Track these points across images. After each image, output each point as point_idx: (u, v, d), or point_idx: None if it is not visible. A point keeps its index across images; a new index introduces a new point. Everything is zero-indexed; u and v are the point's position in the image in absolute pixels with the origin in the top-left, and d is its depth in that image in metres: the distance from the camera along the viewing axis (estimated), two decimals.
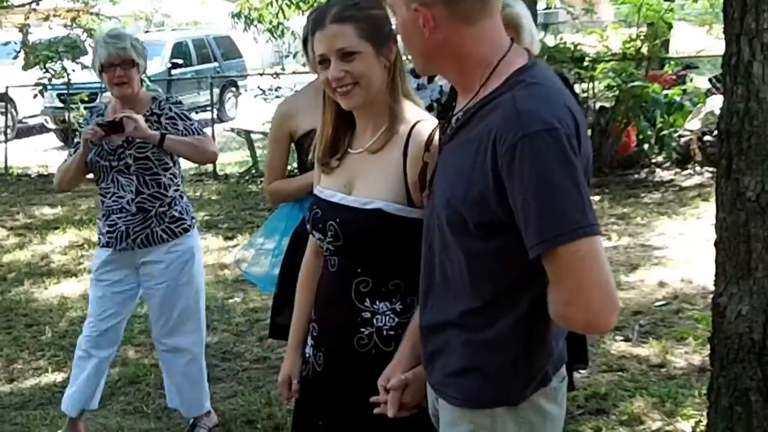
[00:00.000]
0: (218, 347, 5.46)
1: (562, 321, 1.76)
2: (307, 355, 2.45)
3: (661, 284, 6.16)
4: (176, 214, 4.03)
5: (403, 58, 2.27)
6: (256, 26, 14.33)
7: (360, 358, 2.27)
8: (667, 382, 4.59)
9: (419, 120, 2.24)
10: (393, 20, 2.06)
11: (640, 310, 5.67)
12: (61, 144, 14.81)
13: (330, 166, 2.32)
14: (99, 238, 4.11)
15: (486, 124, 1.74)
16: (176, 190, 4.06)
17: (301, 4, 13.68)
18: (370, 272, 2.24)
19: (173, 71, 16.70)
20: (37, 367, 5.33)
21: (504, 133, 1.68)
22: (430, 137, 2.18)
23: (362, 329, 2.26)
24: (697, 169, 9.62)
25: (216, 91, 15.92)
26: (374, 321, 2.25)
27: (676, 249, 6.98)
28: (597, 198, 8.65)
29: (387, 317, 2.25)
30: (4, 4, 13.02)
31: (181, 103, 4.18)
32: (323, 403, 2.38)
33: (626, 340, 5.22)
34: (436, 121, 2.24)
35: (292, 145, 3.48)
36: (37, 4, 13.01)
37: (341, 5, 2.20)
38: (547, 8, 29.39)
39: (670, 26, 10.59)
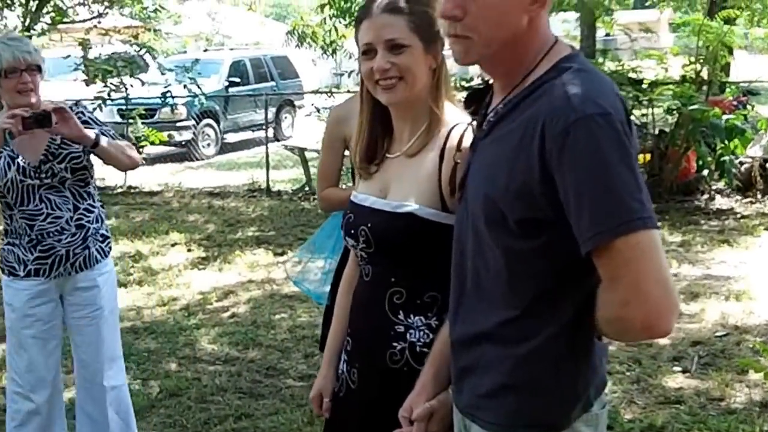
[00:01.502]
0: (262, 363, 5.33)
1: (618, 324, 1.58)
2: (341, 371, 2.31)
3: (722, 314, 5.92)
4: (104, 231, 3.67)
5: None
6: (309, 44, 14.30)
7: (391, 374, 2.12)
8: (726, 416, 4.36)
9: (458, 123, 2.12)
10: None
11: (700, 340, 5.45)
12: None
13: (369, 171, 2.21)
14: (12, 268, 3.58)
15: (532, 111, 1.62)
16: (98, 200, 3.70)
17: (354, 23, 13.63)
18: (404, 282, 2.11)
19: (230, 89, 16.76)
20: None
21: (555, 117, 1.56)
22: (462, 136, 2.07)
23: (395, 344, 2.12)
24: (759, 196, 9.36)
25: (272, 109, 15.97)
26: (407, 336, 2.12)
27: (737, 278, 6.74)
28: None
29: (421, 332, 2.11)
30: (66, 20, 13.14)
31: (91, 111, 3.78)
32: (353, 422, 2.23)
33: (685, 371, 5.00)
34: (461, 126, 2.14)
35: (347, 151, 3.35)
36: (99, 22, 13.15)
37: None
38: (606, 35, 29.29)
39: (730, 50, 10.31)
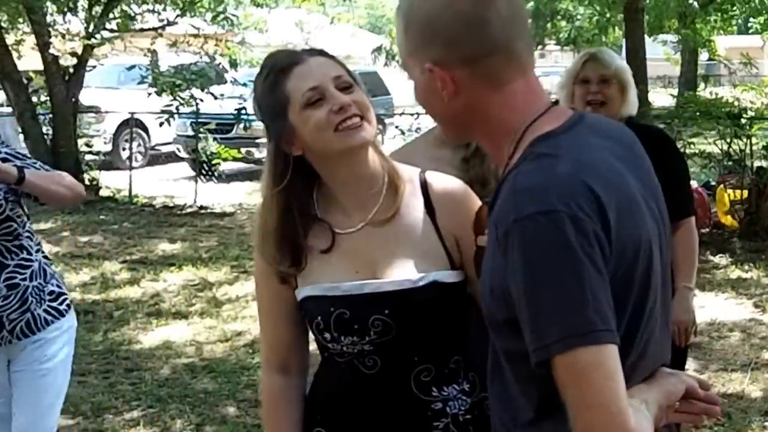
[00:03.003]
0: None
1: None
2: None
3: None
4: (54, 288, 3.33)
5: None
6: (397, 62, 14.30)
7: None
8: None
9: (412, 170, 2.09)
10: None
11: None
12: (193, 174, 14.98)
13: (302, 267, 2.02)
14: None
15: (495, 208, 1.55)
16: (38, 251, 3.32)
17: None
18: (430, 357, 2.01)
19: None
20: (130, 419, 5.10)
21: (501, 218, 1.50)
22: (480, 217, 1.98)
23: (436, 423, 2.01)
24: None
25: None
26: (447, 409, 2.02)
27: None
28: (752, 264, 8.26)
29: (459, 401, 2.03)
30: (131, 27, 13.25)
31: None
32: None
33: None
34: (431, 172, 2.11)
35: None
36: (164, 29, 13.22)
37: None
38: (709, 59, 28.70)
39: None
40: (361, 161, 2.00)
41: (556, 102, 1.66)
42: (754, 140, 9.49)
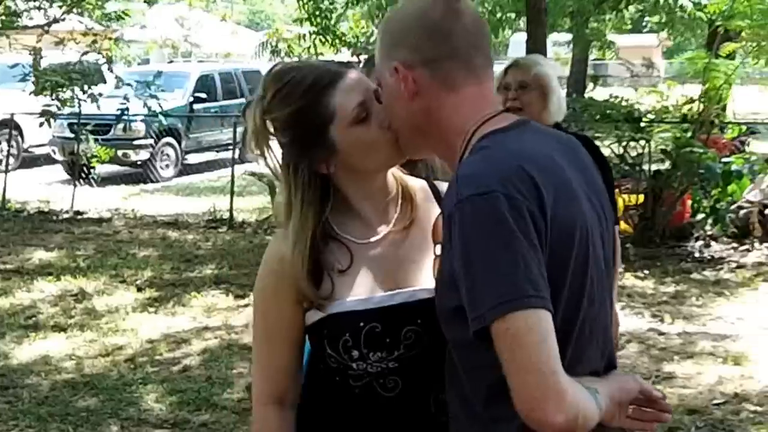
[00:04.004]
0: (215, 428, 5.09)
1: (522, 419, 1.57)
2: None
3: (720, 379, 5.76)
4: None
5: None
6: (282, 58, 14.16)
7: None
8: None
9: (421, 180, 2.08)
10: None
11: (696, 409, 5.29)
12: (68, 177, 14.62)
13: (323, 287, 1.92)
14: None
15: (444, 200, 1.73)
16: None
17: (337, 43, 13.48)
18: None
19: (195, 106, 16.48)
20: None
21: (447, 204, 1.66)
22: (436, 227, 1.93)
23: None
24: (756, 245, 9.26)
25: (239, 129, 15.72)
26: None
27: (734, 338, 6.59)
28: (647, 272, 8.38)
29: None
30: (15, 24, 12.83)
31: None
32: None
33: None
34: (438, 181, 2.11)
35: None
36: (49, 27, 12.84)
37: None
38: (596, 59, 29.29)
39: (729, 86, 10.32)
40: (386, 173, 2.00)
41: (507, 110, 1.85)
42: (652, 143, 9.47)
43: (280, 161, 1.97)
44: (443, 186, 2.01)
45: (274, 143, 1.97)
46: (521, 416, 1.55)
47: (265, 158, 1.96)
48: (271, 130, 1.96)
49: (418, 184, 2.07)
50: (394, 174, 2.02)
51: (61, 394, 5.58)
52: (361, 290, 1.93)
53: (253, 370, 2.07)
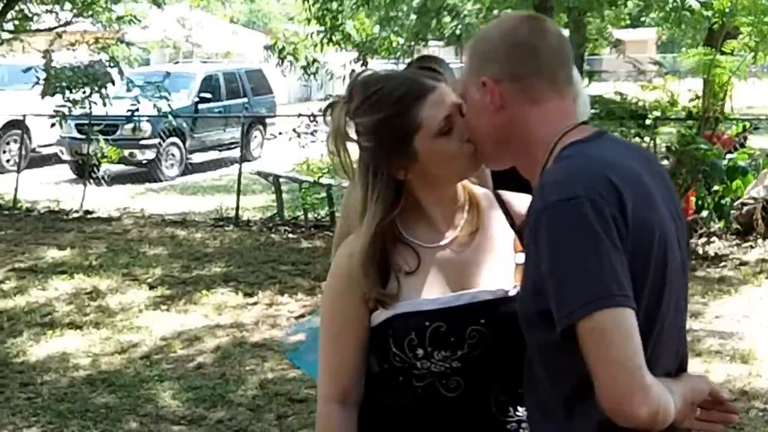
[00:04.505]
0: (231, 425, 5.15)
1: (606, 413, 1.62)
2: None
3: (728, 377, 5.79)
4: None
5: None
6: (290, 61, 14.19)
7: None
8: None
9: (485, 189, 2.14)
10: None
11: None
12: (75, 176, 14.70)
13: (390, 288, 1.98)
14: None
15: (530, 208, 1.77)
16: None
17: (341, 42, 13.51)
18: (509, 375, 1.95)
19: (200, 106, 16.55)
20: None
21: (532, 210, 1.72)
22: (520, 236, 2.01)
23: None
24: (760, 241, 9.27)
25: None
26: (521, 431, 1.99)
27: (741, 335, 6.62)
28: None
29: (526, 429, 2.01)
30: (28, 28, 12.89)
31: None
32: None
33: None
34: (502, 191, 2.18)
35: None
36: (65, 31, 12.91)
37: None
38: (591, 55, 29.22)
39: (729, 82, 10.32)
40: (445, 187, 2.05)
41: (585, 122, 1.94)
42: (658, 140, 9.49)
43: (356, 163, 2.04)
44: (507, 195, 2.14)
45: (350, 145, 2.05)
46: (606, 411, 1.61)
47: (339, 158, 2.03)
48: (352, 133, 2.02)
49: (482, 192, 2.13)
50: (462, 182, 2.08)
51: (80, 391, 5.64)
52: (427, 291, 1.97)
53: (319, 367, 2.10)
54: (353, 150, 2.05)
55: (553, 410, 1.76)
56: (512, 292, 1.95)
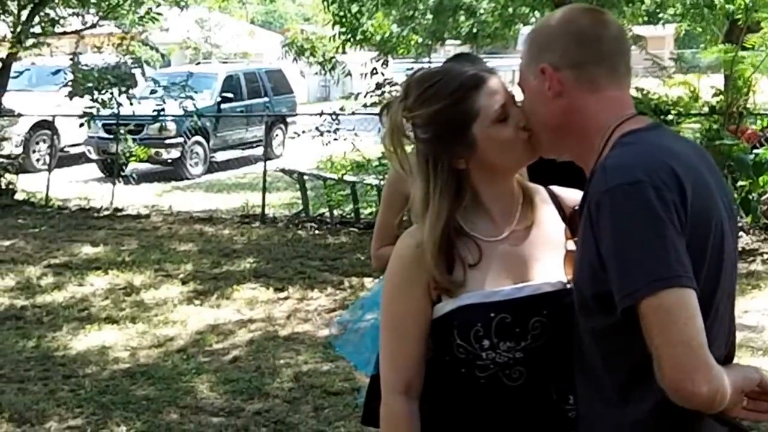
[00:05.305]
0: (269, 416, 5.19)
1: (666, 391, 1.65)
2: None
3: None
4: None
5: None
6: (307, 58, 14.26)
7: None
8: None
9: (537, 185, 2.16)
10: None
11: None
12: (102, 175, 14.83)
13: (455, 279, 2.01)
14: None
15: (588, 193, 1.79)
16: None
17: (362, 42, 13.58)
18: (568, 364, 1.96)
19: (223, 105, 16.66)
20: (75, 426, 5.10)
21: (593, 193, 1.74)
22: (572, 222, 2.06)
23: None
24: None
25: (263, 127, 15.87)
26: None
27: None
28: None
29: None
30: (54, 31, 13.02)
31: None
32: None
33: None
34: (553, 186, 2.20)
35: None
36: (90, 34, 13.03)
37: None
38: None
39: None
40: (514, 178, 2.11)
41: (642, 112, 1.91)
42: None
43: (416, 159, 2.07)
44: (559, 190, 2.17)
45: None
46: (667, 389, 1.62)
47: (396, 154, 2.06)
48: (408, 128, 2.05)
49: (535, 187, 2.16)
50: (516, 178, 2.12)
51: (121, 383, 5.70)
52: (491, 284, 2.00)
53: (381, 359, 2.12)
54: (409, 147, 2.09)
55: (606, 395, 1.78)
56: (570, 285, 1.97)
